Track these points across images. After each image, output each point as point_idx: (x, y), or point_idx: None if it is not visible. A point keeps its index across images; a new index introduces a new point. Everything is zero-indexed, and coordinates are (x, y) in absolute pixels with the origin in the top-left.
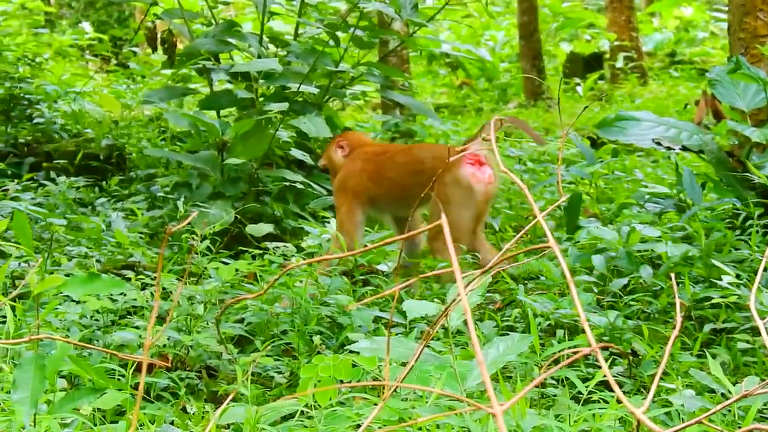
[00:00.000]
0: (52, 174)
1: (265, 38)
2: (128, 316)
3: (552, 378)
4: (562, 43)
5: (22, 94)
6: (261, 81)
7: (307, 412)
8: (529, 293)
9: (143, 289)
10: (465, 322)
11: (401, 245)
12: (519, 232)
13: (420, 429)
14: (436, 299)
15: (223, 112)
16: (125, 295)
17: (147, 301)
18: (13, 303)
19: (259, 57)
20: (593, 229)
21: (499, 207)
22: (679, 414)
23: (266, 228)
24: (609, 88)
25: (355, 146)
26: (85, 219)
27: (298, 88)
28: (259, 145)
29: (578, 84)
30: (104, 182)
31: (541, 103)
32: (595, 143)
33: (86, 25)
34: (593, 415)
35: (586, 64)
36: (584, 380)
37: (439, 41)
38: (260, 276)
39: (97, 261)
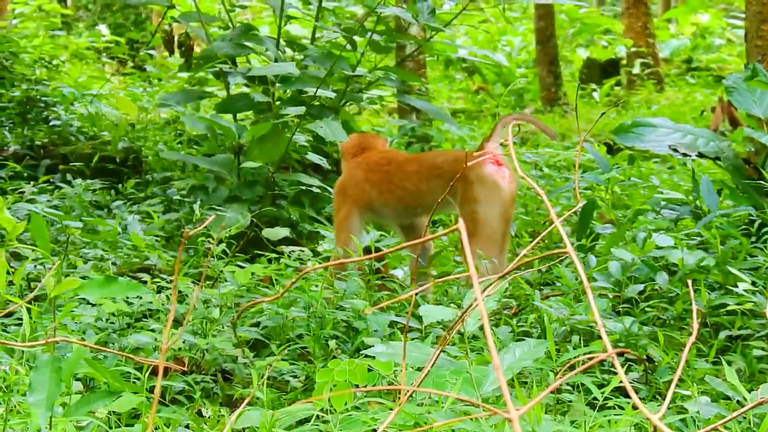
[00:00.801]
0: (69, 176)
1: (282, 42)
2: (144, 319)
3: (567, 384)
4: (578, 48)
5: (38, 97)
6: (278, 85)
7: (323, 417)
8: (545, 299)
9: (159, 292)
10: (481, 328)
11: (418, 250)
12: (535, 237)
13: None
14: (452, 304)
15: (239, 116)
16: (141, 298)
17: (163, 304)
18: (29, 305)
19: (276, 61)
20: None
21: (515, 212)
22: (694, 421)
23: (282, 232)
24: (625, 95)
25: (352, 151)
26: (101, 222)
27: (315, 92)
28: (276, 148)
29: (594, 90)
30: (120, 185)
31: (557, 108)
32: (612, 149)
33: (103, 28)
34: (609, 421)
35: (602, 70)
36: (600, 386)
37: (455, 46)
38: (276, 280)
39: (113, 264)
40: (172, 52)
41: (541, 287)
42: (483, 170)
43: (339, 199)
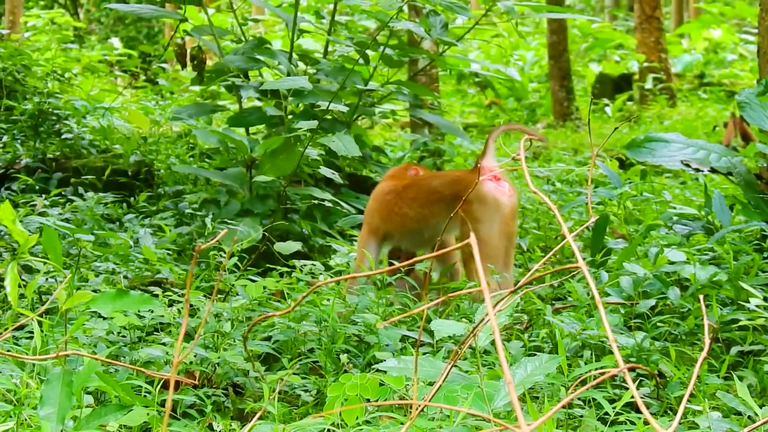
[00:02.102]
0: (80, 189)
1: (294, 56)
2: (155, 333)
3: (578, 399)
4: (591, 63)
5: (50, 110)
6: (290, 98)
7: (334, 431)
8: (556, 313)
9: (170, 305)
10: (492, 342)
11: (430, 265)
12: (547, 252)
13: None
14: (463, 319)
15: (251, 130)
16: (152, 311)
17: (174, 317)
18: (40, 318)
19: (289, 74)
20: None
21: (527, 227)
22: None
23: (294, 246)
24: (638, 110)
25: (384, 179)
26: (113, 235)
27: (328, 106)
28: (288, 162)
29: (607, 105)
30: (132, 198)
31: (569, 123)
32: (624, 164)
33: (115, 41)
34: None
35: (615, 85)
36: (611, 401)
37: (468, 60)
38: (288, 294)
39: (125, 277)
40: (184, 66)
41: (553, 302)
42: (482, 189)
43: (363, 221)
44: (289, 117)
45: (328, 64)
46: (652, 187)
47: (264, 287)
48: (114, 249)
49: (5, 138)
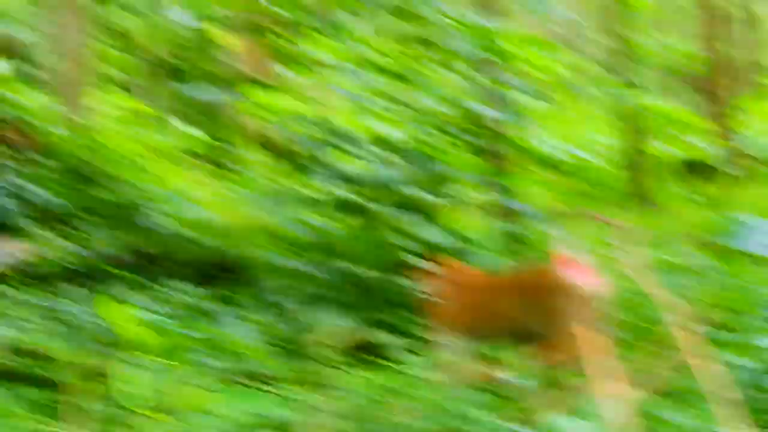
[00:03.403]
0: (179, 283)
1: (370, 139)
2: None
3: None
4: (665, 145)
5: (141, 202)
6: (370, 185)
7: None
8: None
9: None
10: None
11: (552, 358)
12: (651, 343)
13: None
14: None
15: (335, 217)
16: (261, 407)
17: (281, 414)
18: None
19: (363, 159)
20: None
21: (625, 317)
22: None
23: (391, 338)
24: (717, 192)
25: (450, 276)
26: (214, 331)
27: (410, 192)
28: (375, 251)
29: (684, 187)
30: (226, 291)
31: (644, 206)
32: (710, 249)
33: (193, 129)
34: None
35: (692, 167)
36: None
37: (542, 142)
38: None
39: (227, 372)
40: (262, 151)
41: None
42: (567, 280)
43: (439, 312)
44: (371, 204)
45: (406, 149)
46: (743, 272)
47: (372, 382)
48: (215, 343)
49: (91, 229)
